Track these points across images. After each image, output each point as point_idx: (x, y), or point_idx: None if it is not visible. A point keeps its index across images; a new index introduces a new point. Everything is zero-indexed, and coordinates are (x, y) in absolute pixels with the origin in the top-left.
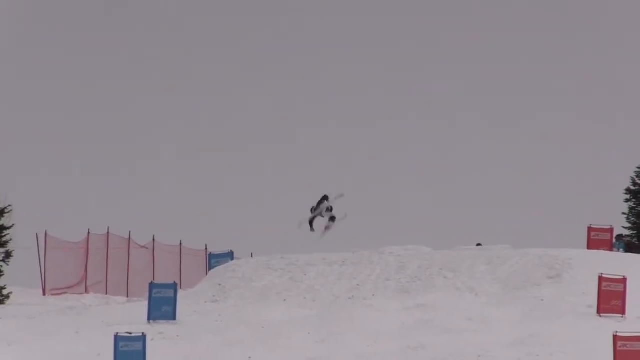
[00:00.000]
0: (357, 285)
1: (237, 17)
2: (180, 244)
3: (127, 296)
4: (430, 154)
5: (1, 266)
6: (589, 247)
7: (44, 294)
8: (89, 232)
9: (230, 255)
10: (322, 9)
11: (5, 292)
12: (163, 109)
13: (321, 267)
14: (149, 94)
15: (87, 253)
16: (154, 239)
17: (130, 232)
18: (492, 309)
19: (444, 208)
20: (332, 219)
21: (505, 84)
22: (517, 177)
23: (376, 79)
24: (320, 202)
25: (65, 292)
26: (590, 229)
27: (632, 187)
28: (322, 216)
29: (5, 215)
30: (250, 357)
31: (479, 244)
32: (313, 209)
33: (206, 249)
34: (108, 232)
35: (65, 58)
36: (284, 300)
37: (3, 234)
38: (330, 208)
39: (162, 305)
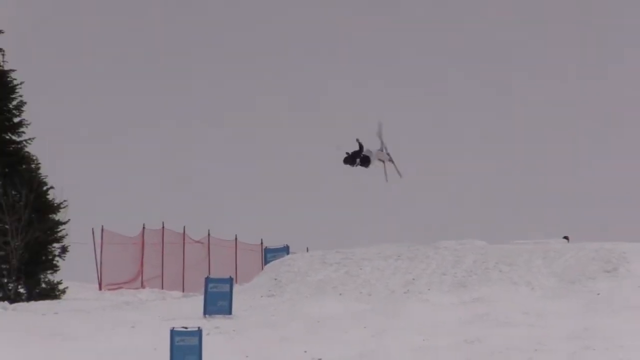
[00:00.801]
0: (413, 279)
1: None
2: (236, 238)
3: (183, 291)
4: (484, 146)
5: (57, 261)
6: None
7: (100, 289)
8: (143, 227)
9: (285, 250)
10: None
11: (61, 287)
12: (220, 101)
13: (376, 261)
14: (211, 89)
15: (143, 248)
16: (209, 234)
17: (184, 226)
18: (548, 302)
19: (498, 202)
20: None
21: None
22: (573, 170)
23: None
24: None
25: (121, 287)
26: None
27: None
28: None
29: (60, 210)
30: (306, 352)
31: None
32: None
33: (261, 243)
34: (163, 227)
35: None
36: (340, 294)
37: (59, 229)
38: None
39: (218, 299)
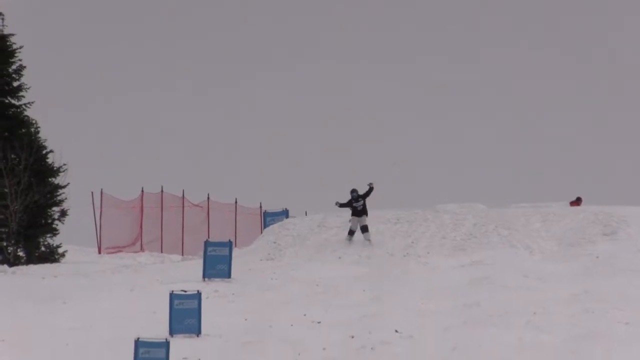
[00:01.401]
0: (412, 242)
1: None
2: (236, 202)
3: (182, 254)
4: (484, 112)
5: (56, 225)
6: None
7: (99, 252)
8: (142, 191)
9: (285, 214)
10: None
11: (60, 250)
12: (221, 66)
13: (376, 225)
14: (213, 54)
15: (142, 212)
16: (208, 198)
17: (184, 190)
18: (548, 265)
19: (498, 165)
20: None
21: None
22: (571, 134)
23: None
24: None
25: (121, 251)
26: None
27: None
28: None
29: (60, 174)
30: (305, 315)
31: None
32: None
33: (261, 207)
34: (162, 191)
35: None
36: (339, 257)
37: (58, 193)
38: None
39: (217, 263)
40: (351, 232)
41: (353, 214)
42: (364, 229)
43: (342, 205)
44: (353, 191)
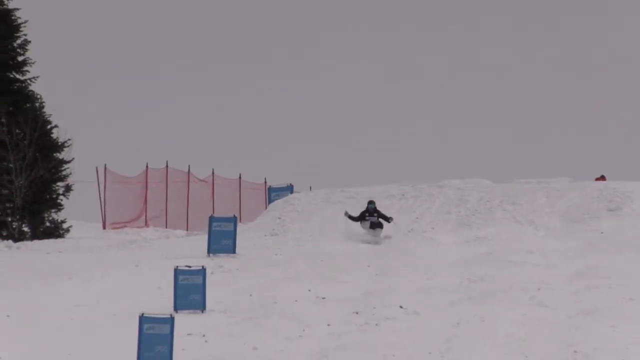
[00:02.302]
0: (417, 218)
1: None
2: (240, 177)
3: (187, 230)
4: (491, 85)
5: (61, 200)
6: None
7: (104, 227)
8: (147, 166)
9: (289, 189)
10: None
11: (65, 225)
12: (226, 38)
13: (380, 200)
14: (218, 30)
15: (146, 187)
16: (213, 173)
17: (189, 165)
18: (552, 241)
19: (502, 140)
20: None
21: None
22: (577, 109)
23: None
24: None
25: (125, 226)
26: None
27: None
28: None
29: (65, 149)
30: (310, 290)
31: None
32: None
33: (265, 182)
34: (167, 166)
35: None
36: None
37: (63, 168)
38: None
39: (222, 238)
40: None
41: (371, 227)
42: (379, 231)
43: (352, 219)
44: (370, 202)
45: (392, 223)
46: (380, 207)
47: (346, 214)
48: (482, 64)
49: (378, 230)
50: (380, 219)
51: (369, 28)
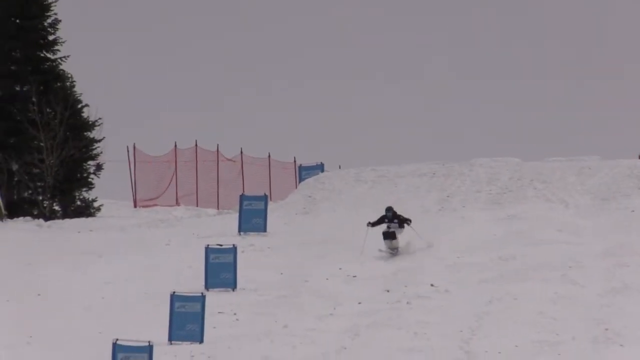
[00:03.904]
0: (448, 197)
1: None
2: (269, 156)
3: (218, 208)
4: (519, 61)
5: (92, 179)
6: None
7: (135, 206)
8: (175, 146)
9: (320, 167)
10: None
11: (96, 204)
12: (253, 16)
13: (411, 179)
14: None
15: (176, 166)
16: (241, 152)
17: (218, 144)
18: (583, 219)
19: (532, 118)
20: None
21: None
22: (606, 86)
23: None
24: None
25: (156, 205)
26: None
27: None
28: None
29: (95, 128)
30: (340, 269)
31: None
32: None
33: (294, 161)
34: (196, 145)
35: None
36: (374, 212)
37: (93, 147)
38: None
39: (253, 217)
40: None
41: (385, 237)
42: (395, 242)
43: (373, 225)
44: (388, 210)
45: (412, 229)
46: (411, 185)
47: (368, 224)
48: (513, 44)
49: (391, 241)
50: (399, 222)
51: None
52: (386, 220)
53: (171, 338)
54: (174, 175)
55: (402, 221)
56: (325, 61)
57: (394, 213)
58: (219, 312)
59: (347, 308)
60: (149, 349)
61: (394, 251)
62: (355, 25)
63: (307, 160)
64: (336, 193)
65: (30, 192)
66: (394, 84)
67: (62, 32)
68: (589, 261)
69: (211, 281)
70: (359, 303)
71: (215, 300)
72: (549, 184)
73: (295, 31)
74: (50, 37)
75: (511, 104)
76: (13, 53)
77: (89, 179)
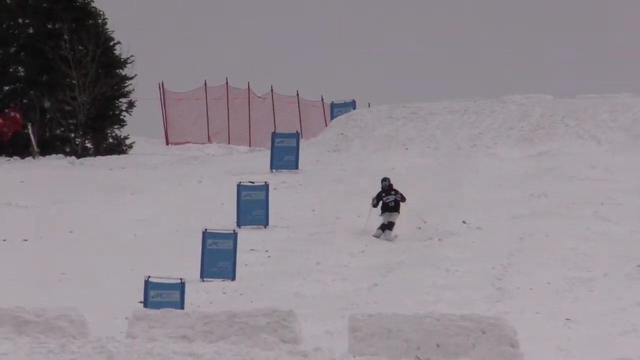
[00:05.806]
0: (479, 133)
1: None
2: (297, 94)
3: (250, 146)
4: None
5: (124, 116)
6: None
7: (167, 143)
8: (205, 83)
9: (352, 105)
10: None
11: (128, 142)
12: None
13: (443, 115)
14: None
15: (206, 103)
16: (272, 90)
17: (249, 82)
18: (615, 156)
19: (564, 55)
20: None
21: None
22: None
23: None
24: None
25: (188, 142)
26: None
27: None
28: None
29: (127, 65)
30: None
31: None
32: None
33: (322, 99)
34: (227, 82)
35: None
36: (406, 149)
37: (125, 84)
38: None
39: (285, 154)
40: (382, 227)
41: (383, 210)
42: (389, 225)
43: (374, 204)
44: (384, 180)
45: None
46: (442, 122)
47: (373, 201)
48: None
49: (395, 214)
50: (397, 198)
51: None
52: (383, 195)
53: (203, 275)
54: (207, 112)
55: (401, 197)
56: None
57: (390, 185)
58: (251, 250)
59: (379, 245)
60: (180, 286)
61: (386, 225)
62: None
63: (337, 98)
64: (368, 130)
65: (62, 129)
66: (427, 19)
67: None
68: (621, 198)
69: (243, 218)
70: (391, 240)
71: (247, 237)
72: (581, 121)
73: None
74: None
75: (543, 40)
76: None
77: (121, 117)
